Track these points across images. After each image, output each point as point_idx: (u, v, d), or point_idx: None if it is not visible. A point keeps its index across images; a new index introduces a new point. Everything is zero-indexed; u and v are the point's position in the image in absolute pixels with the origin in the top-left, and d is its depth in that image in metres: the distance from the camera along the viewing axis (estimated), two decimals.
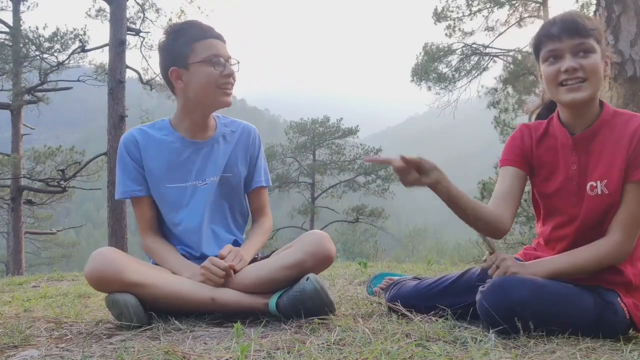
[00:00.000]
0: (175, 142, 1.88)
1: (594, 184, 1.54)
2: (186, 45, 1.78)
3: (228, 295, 1.72)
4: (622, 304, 1.50)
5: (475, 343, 1.32)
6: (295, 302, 1.63)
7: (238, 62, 1.87)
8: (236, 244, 1.97)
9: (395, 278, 2.15)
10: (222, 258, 1.75)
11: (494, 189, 1.70)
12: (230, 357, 1.20)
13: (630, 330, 1.54)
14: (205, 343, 1.38)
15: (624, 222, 1.50)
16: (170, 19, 14.87)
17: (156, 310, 1.70)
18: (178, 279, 1.73)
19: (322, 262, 1.73)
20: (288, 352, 1.23)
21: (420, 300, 1.77)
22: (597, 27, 1.52)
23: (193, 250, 1.90)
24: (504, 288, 1.42)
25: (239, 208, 2.02)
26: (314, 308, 1.60)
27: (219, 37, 1.83)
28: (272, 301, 1.70)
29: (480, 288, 1.49)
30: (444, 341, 1.36)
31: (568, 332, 1.41)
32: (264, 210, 2.07)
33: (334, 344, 1.31)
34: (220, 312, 1.74)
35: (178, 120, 1.91)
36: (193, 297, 1.69)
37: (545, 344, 1.33)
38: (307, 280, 1.64)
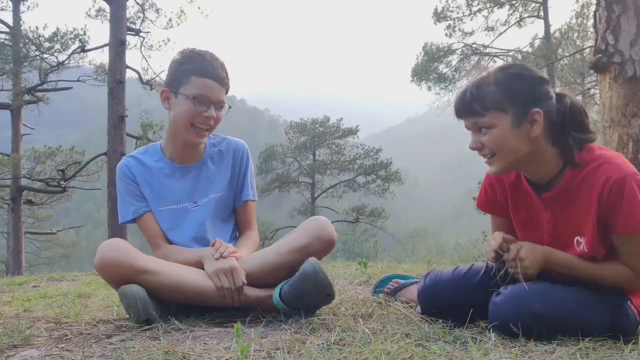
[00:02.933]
0: (164, 168, 1.95)
1: (580, 240, 1.49)
2: (185, 74, 1.82)
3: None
4: (632, 306, 1.50)
5: (475, 343, 1.32)
6: (296, 285, 1.64)
7: (229, 107, 1.92)
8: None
9: (402, 282, 2.13)
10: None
11: (491, 230, 1.69)
12: (230, 357, 1.20)
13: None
14: (205, 343, 1.38)
15: (635, 266, 1.46)
16: (170, 19, 14.89)
17: (162, 300, 1.70)
18: (187, 269, 1.75)
19: (325, 245, 1.78)
20: (288, 352, 1.23)
21: (460, 293, 1.61)
22: (500, 98, 1.41)
23: None
24: (519, 301, 1.39)
25: (231, 225, 2.06)
26: (314, 289, 1.61)
27: (219, 81, 1.84)
28: (276, 292, 1.71)
29: (494, 297, 1.46)
30: (444, 341, 1.36)
31: (583, 335, 1.40)
32: (250, 224, 2.08)
33: (334, 344, 1.31)
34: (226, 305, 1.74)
35: (166, 146, 1.98)
36: (200, 287, 1.70)
37: (545, 344, 1.33)
38: (307, 263, 1.65)
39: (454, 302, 1.60)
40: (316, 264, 1.64)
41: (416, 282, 2.05)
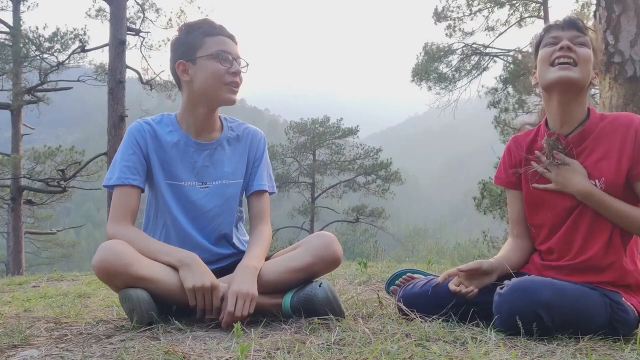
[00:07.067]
0: (179, 141, 1.86)
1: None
2: (197, 38, 1.79)
3: None
4: (628, 302, 1.51)
5: (475, 343, 1.32)
6: (305, 305, 1.62)
7: (247, 65, 1.87)
8: (235, 255, 1.93)
9: (416, 276, 2.05)
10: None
11: (509, 212, 1.81)
12: (230, 357, 1.20)
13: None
14: (205, 343, 1.38)
15: None
16: (170, 19, 14.89)
17: (162, 305, 1.67)
18: None
19: (330, 265, 1.74)
20: (288, 352, 1.23)
21: (428, 301, 1.69)
22: (593, 37, 1.65)
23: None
24: (527, 290, 1.40)
25: (236, 215, 1.98)
26: (325, 312, 1.59)
27: (230, 37, 1.84)
28: (286, 301, 1.68)
29: (498, 289, 1.48)
30: (444, 341, 1.36)
31: (585, 331, 1.41)
32: (263, 218, 1.97)
33: (334, 344, 1.31)
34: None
35: (182, 117, 1.88)
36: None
37: (545, 344, 1.33)
38: (319, 286, 1.62)
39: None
40: (329, 291, 1.60)
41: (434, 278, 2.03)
